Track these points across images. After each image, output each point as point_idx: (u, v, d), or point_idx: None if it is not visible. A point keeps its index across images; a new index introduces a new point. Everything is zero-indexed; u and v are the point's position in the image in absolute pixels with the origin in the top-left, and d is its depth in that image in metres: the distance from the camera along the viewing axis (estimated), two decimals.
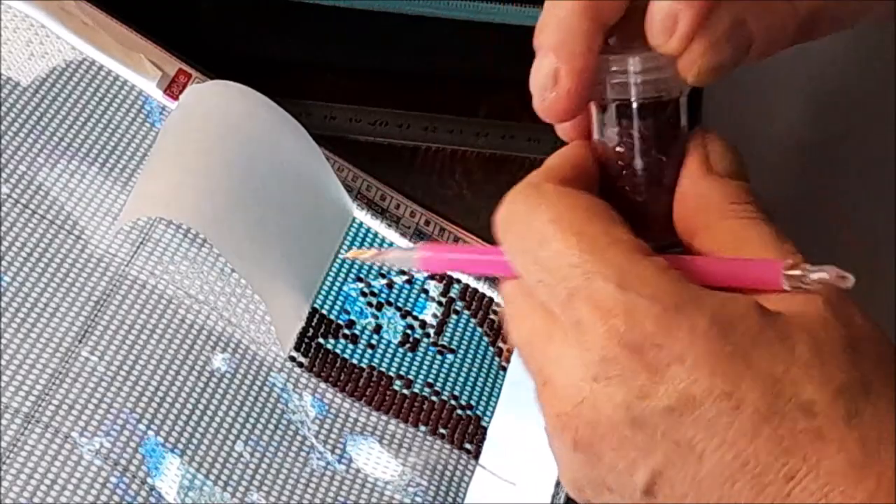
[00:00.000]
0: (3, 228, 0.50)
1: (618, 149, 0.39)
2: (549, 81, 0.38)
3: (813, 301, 0.35)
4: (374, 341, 0.53)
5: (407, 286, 0.54)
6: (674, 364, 0.34)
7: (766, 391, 0.33)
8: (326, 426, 0.50)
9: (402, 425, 0.51)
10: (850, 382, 0.34)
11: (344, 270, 0.54)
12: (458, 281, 0.55)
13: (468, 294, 0.55)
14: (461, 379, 0.53)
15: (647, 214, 0.39)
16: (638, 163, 0.39)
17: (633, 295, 0.34)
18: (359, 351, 0.52)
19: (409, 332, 0.53)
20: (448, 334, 0.54)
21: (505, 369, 0.53)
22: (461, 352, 0.53)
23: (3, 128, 0.52)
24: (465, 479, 0.51)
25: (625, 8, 0.38)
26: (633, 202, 0.39)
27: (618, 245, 0.35)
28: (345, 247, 0.54)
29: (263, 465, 0.49)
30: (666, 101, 0.38)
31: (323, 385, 0.51)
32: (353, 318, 0.53)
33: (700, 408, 0.33)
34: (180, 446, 0.48)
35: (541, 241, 0.36)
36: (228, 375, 0.50)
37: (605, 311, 0.35)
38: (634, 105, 0.38)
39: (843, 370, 0.34)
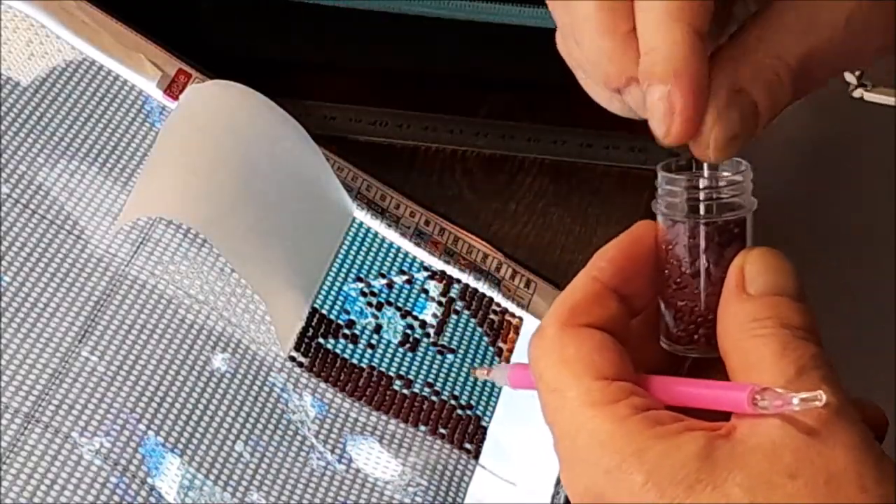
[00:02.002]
0: (3, 228, 0.50)
1: (677, 255, 0.40)
2: (668, 109, 0.38)
3: (773, 425, 0.35)
4: (374, 341, 0.53)
5: (407, 286, 0.54)
6: None
7: None
8: (326, 426, 0.50)
9: (402, 425, 0.51)
10: None
11: (344, 270, 0.54)
12: (458, 281, 0.55)
13: (468, 294, 0.55)
14: (461, 379, 0.53)
15: (695, 323, 0.39)
16: (693, 269, 0.39)
17: (584, 451, 0.37)
18: (359, 351, 0.52)
19: (409, 332, 0.53)
20: (448, 334, 0.54)
21: None
22: (461, 352, 0.53)
23: (3, 128, 0.52)
24: (465, 479, 0.51)
25: (710, 14, 0.38)
26: (686, 309, 0.39)
27: (577, 399, 0.38)
28: (345, 247, 0.54)
29: (263, 465, 0.49)
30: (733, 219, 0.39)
31: (323, 385, 0.51)
32: (353, 318, 0.53)
33: None
34: (180, 446, 0.48)
35: (540, 388, 0.40)
36: (228, 375, 0.50)
37: (566, 463, 0.38)
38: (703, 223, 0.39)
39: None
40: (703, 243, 0.39)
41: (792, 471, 0.34)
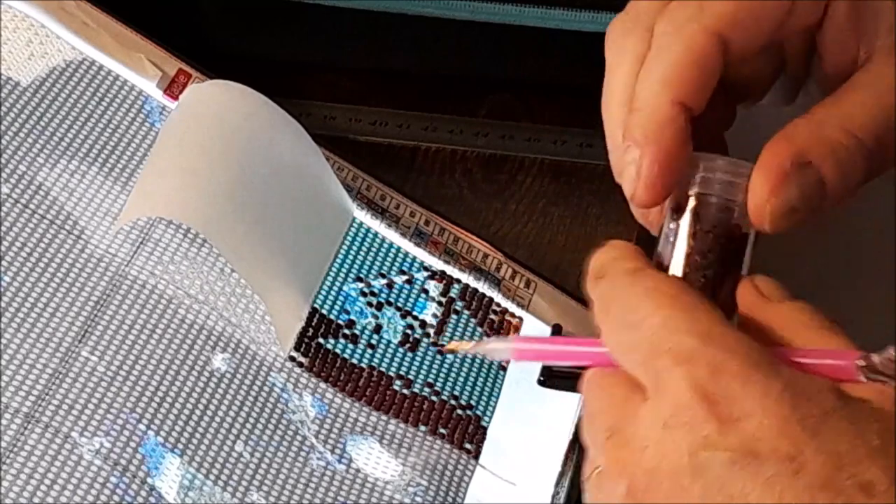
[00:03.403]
0: (3, 228, 0.50)
1: (681, 252, 0.40)
2: (634, 172, 0.39)
3: (888, 394, 0.35)
4: (374, 341, 0.53)
5: (407, 286, 0.54)
6: (743, 419, 0.34)
7: (827, 462, 0.34)
8: (326, 426, 0.50)
9: (402, 425, 0.51)
10: None
11: (344, 270, 0.54)
12: (458, 281, 0.55)
13: (468, 294, 0.55)
14: (461, 379, 0.53)
15: None
16: (698, 270, 0.40)
17: (714, 349, 0.35)
18: (359, 351, 0.52)
19: (409, 331, 0.53)
20: (448, 334, 0.54)
21: (505, 369, 0.53)
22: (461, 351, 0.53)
23: (3, 128, 0.52)
24: (465, 479, 0.51)
25: (707, 100, 0.39)
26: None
27: (705, 311, 0.37)
28: (345, 247, 0.54)
29: (263, 465, 0.49)
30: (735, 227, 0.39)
31: (323, 385, 0.51)
32: (353, 317, 0.53)
33: (761, 465, 0.34)
34: (180, 446, 0.48)
35: (633, 308, 0.37)
36: (228, 375, 0.50)
37: (685, 360, 0.35)
38: (714, 201, 0.39)
39: None
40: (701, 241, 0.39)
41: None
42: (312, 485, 0.49)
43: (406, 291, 0.54)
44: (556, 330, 0.53)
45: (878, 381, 0.36)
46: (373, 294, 0.54)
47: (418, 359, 0.53)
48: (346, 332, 0.52)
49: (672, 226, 0.40)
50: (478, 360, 0.53)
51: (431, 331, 0.53)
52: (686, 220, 0.40)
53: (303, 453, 0.50)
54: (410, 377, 0.52)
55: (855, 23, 0.39)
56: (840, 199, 0.39)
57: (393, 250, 0.55)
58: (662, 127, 0.38)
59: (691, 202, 0.39)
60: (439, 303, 0.54)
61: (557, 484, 0.50)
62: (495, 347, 0.44)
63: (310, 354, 0.51)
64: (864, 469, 0.34)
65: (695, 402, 0.35)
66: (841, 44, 0.40)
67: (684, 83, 0.38)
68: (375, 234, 0.55)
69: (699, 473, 0.34)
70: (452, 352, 0.52)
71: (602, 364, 0.39)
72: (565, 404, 0.52)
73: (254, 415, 0.50)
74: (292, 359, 0.51)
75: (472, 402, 0.52)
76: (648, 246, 0.41)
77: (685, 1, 0.39)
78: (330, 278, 0.53)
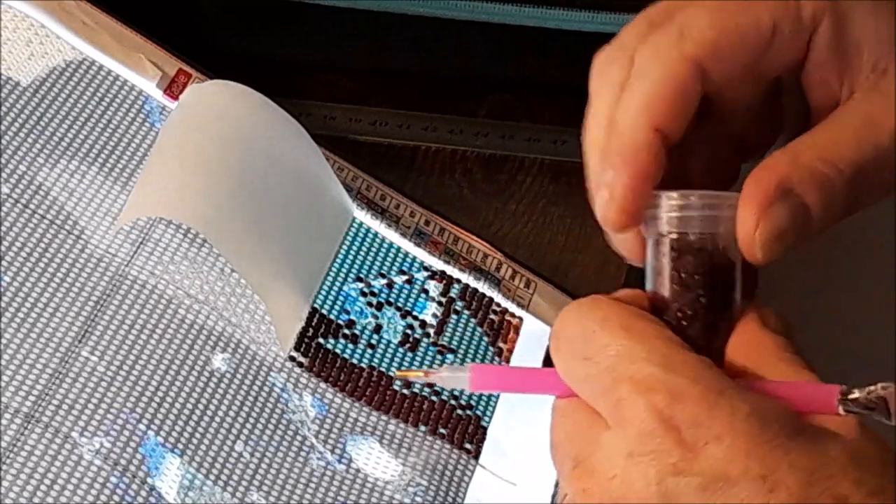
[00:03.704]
0: (3, 228, 0.50)
1: (668, 287, 0.40)
2: (608, 194, 0.39)
3: (848, 423, 0.36)
4: (374, 341, 0.53)
5: (407, 286, 0.54)
6: (711, 443, 0.34)
7: (800, 479, 0.34)
8: (326, 426, 0.50)
9: (402, 425, 0.51)
10: (885, 487, 0.34)
11: (344, 270, 0.54)
12: (458, 281, 0.55)
13: (468, 294, 0.55)
14: None
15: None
16: (685, 302, 0.40)
17: (676, 376, 0.36)
18: (359, 351, 0.52)
19: (409, 331, 0.53)
20: (448, 334, 0.54)
21: None
22: (461, 352, 0.53)
23: (3, 128, 0.52)
24: (465, 479, 0.51)
25: (685, 128, 0.39)
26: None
27: (663, 339, 0.37)
28: (345, 247, 0.54)
29: (263, 465, 0.49)
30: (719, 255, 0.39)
31: (323, 385, 0.51)
32: (353, 317, 0.53)
33: (733, 487, 0.34)
34: (180, 446, 0.48)
35: (589, 338, 0.37)
36: (228, 375, 0.50)
37: (646, 388, 0.36)
38: (692, 238, 0.39)
39: (878, 475, 0.35)
40: (688, 267, 0.39)
41: (881, 456, 0.35)
42: (312, 485, 0.49)
43: (406, 291, 0.54)
44: None
45: (854, 413, 0.36)
46: (373, 294, 0.54)
47: (418, 359, 0.53)
48: (346, 332, 0.52)
49: (655, 262, 0.40)
50: (478, 360, 0.53)
51: (431, 331, 0.53)
52: (667, 256, 0.40)
53: (303, 453, 0.50)
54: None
55: (838, 60, 0.40)
56: (824, 227, 0.39)
57: (393, 250, 0.55)
58: (639, 151, 0.38)
59: (672, 237, 0.39)
60: (439, 303, 0.54)
61: (557, 484, 0.50)
62: (449, 376, 0.42)
63: (310, 354, 0.51)
64: (837, 483, 0.34)
65: (659, 430, 0.35)
66: (824, 81, 0.40)
67: (662, 109, 0.38)
68: (375, 234, 0.55)
69: (668, 501, 0.35)
70: (405, 379, 0.51)
71: (564, 393, 0.39)
72: None
73: (254, 415, 0.50)
74: (292, 359, 0.51)
75: (472, 402, 0.52)
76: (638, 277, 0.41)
77: (667, 29, 0.39)
78: (330, 278, 0.53)
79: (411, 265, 0.55)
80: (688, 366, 0.36)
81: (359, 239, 0.55)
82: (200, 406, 0.49)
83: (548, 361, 0.52)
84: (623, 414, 0.36)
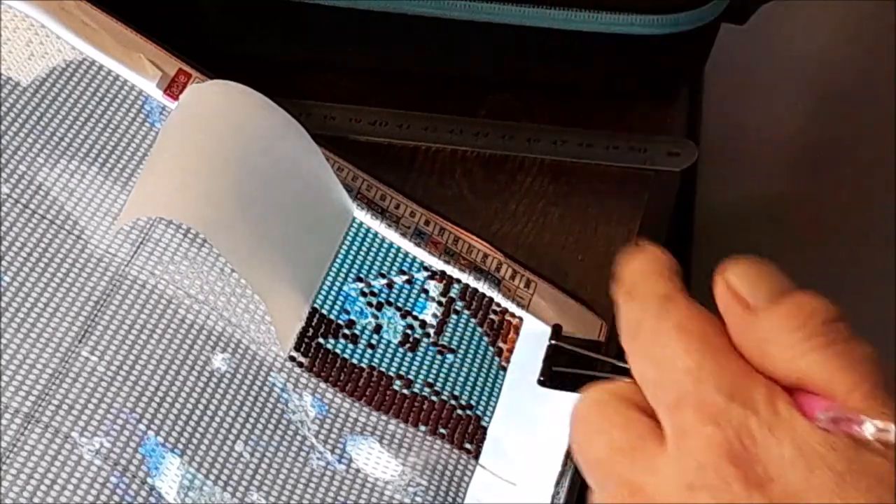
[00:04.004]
0: (3, 228, 0.50)
1: None
2: None
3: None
4: (374, 341, 0.53)
5: (407, 286, 0.54)
6: (776, 479, 0.33)
7: None
8: (326, 426, 0.50)
9: (402, 425, 0.51)
10: None
11: (344, 270, 0.54)
12: (458, 281, 0.55)
13: (468, 294, 0.55)
14: (461, 379, 0.53)
15: None
16: None
17: (741, 407, 0.34)
18: (359, 351, 0.52)
19: (409, 331, 0.53)
20: (448, 334, 0.54)
21: (505, 369, 0.53)
22: (461, 352, 0.53)
23: (2, 128, 0.52)
24: (465, 479, 0.51)
25: None
26: None
27: (733, 358, 0.35)
28: (345, 247, 0.54)
29: (263, 465, 0.49)
30: None
31: (323, 385, 0.51)
32: (353, 317, 0.53)
33: None
34: (180, 446, 0.48)
35: (662, 343, 0.36)
36: (228, 375, 0.50)
37: (711, 419, 0.34)
38: None
39: None
40: None
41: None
42: (312, 485, 0.49)
43: (406, 291, 0.54)
44: (557, 330, 0.53)
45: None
46: (373, 294, 0.54)
47: (418, 359, 0.53)
48: (346, 332, 0.52)
49: None
50: (478, 361, 0.53)
51: (431, 331, 0.53)
52: None
53: (303, 453, 0.50)
54: (410, 377, 0.52)
55: None
56: None
57: (393, 250, 0.55)
58: None
59: None
60: (439, 303, 0.54)
61: (558, 484, 0.50)
62: None
63: (310, 354, 0.51)
64: None
65: (722, 463, 0.34)
66: None
67: None
68: (375, 234, 0.55)
69: None
70: None
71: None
72: (566, 404, 0.52)
73: (254, 415, 0.50)
74: (292, 359, 0.51)
75: (473, 402, 0.52)
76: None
77: None
78: (330, 278, 0.53)
79: (411, 265, 0.55)
80: (755, 392, 0.35)
81: (359, 239, 0.55)
82: (200, 406, 0.49)
83: (548, 362, 0.52)
84: (685, 439, 0.35)
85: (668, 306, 0.37)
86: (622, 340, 0.38)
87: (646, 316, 0.37)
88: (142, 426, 0.48)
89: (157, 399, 0.48)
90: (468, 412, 0.52)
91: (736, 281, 0.37)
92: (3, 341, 0.48)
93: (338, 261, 0.54)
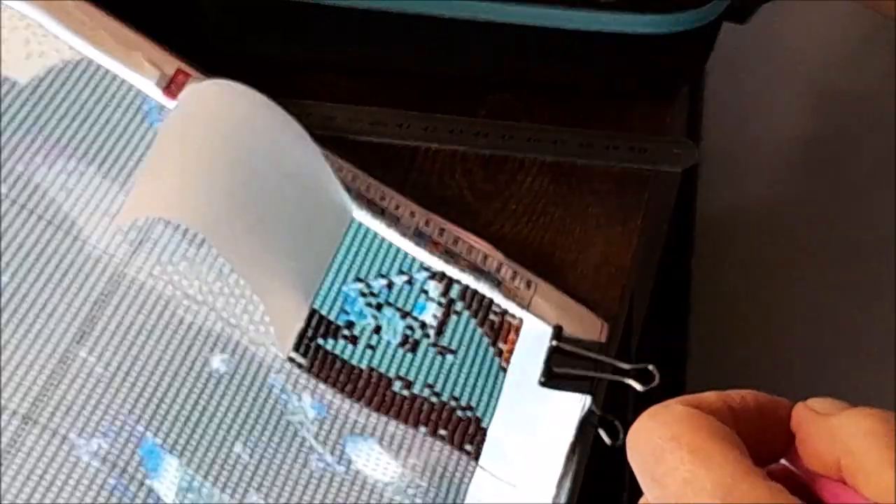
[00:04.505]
0: (1, 228, 0.50)
1: None
2: None
3: None
4: (373, 342, 0.52)
5: (407, 287, 0.54)
6: None
7: None
8: (326, 427, 0.50)
9: (401, 426, 0.51)
10: None
11: (343, 271, 0.54)
12: (458, 282, 0.55)
13: (468, 294, 0.54)
14: (461, 380, 0.53)
15: None
16: None
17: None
18: (358, 352, 0.52)
19: (408, 332, 0.53)
20: (448, 335, 0.53)
21: (505, 370, 0.53)
22: (461, 353, 0.53)
23: (0, 127, 0.52)
24: (465, 480, 0.51)
25: None
26: None
27: (731, 463, 0.35)
28: (344, 247, 0.54)
29: (262, 467, 0.49)
30: None
31: (322, 386, 0.51)
32: (352, 318, 0.53)
33: None
34: (178, 447, 0.48)
35: (658, 458, 0.36)
36: (227, 376, 0.50)
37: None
38: None
39: None
40: None
41: None
42: (312, 486, 0.49)
43: (406, 292, 0.54)
44: (557, 331, 0.53)
45: None
46: (372, 295, 0.53)
47: (418, 360, 0.53)
48: (346, 332, 0.52)
49: None
50: (478, 361, 0.53)
51: (431, 332, 0.53)
52: None
53: (302, 455, 0.49)
54: (410, 378, 0.52)
55: None
56: None
57: (393, 251, 0.55)
58: None
59: None
60: (439, 303, 0.54)
61: (558, 485, 0.50)
62: None
63: (309, 355, 0.51)
64: None
65: None
66: None
67: None
68: (375, 235, 0.55)
69: None
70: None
71: None
72: (566, 405, 0.52)
73: (253, 416, 0.50)
74: (291, 360, 0.51)
75: (473, 404, 0.52)
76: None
77: None
78: (329, 279, 0.53)
79: (411, 266, 0.55)
80: (755, 496, 0.34)
81: (358, 239, 0.55)
82: (199, 407, 0.49)
83: (548, 363, 0.52)
84: None
85: (662, 422, 0.37)
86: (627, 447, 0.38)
87: (639, 437, 0.37)
88: (140, 427, 0.47)
89: (155, 400, 0.48)
90: (468, 413, 0.52)
91: (816, 403, 0.38)
92: (1, 342, 0.48)
93: (337, 261, 0.54)
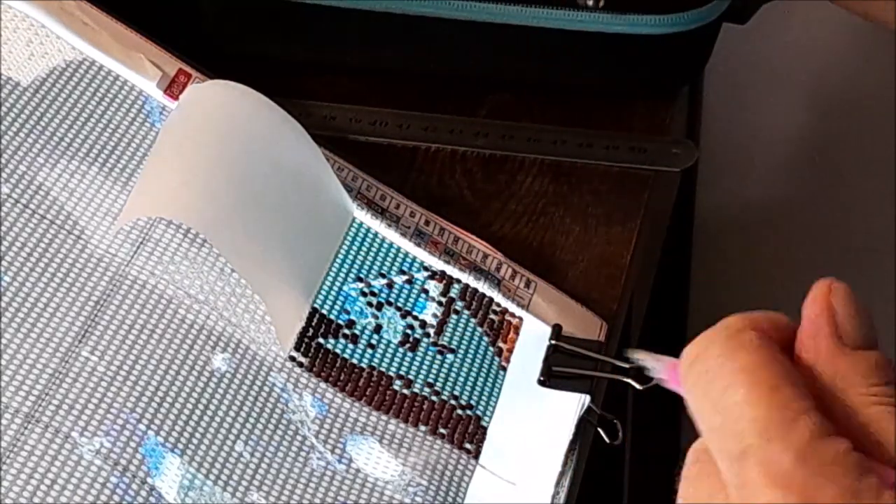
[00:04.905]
0: (4, 228, 0.50)
1: None
2: None
3: None
4: (374, 341, 0.53)
5: (407, 286, 0.54)
6: None
7: None
8: (326, 426, 0.50)
9: (402, 425, 0.51)
10: None
11: (344, 270, 0.54)
12: (458, 281, 0.55)
13: (468, 294, 0.55)
14: (461, 379, 0.53)
15: None
16: None
17: (811, 473, 0.33)
18: (359, 351, 0.52)
19: (409, 331, 0.53)
20: (448, 334, 0.54)
21: (505, 369, 0.53)
22: (461, 352, 0.53)
23: (3, 128, 0.52)
24: (465, 479, 0.51)
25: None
26: None
27: (806, 415, 0.34)
28: (345, 247, 0.54)
29: (263, 465, 0.49)
30: None
31: (323, 385, 0.51)
32: (353, 317, 0.53)
33: None
34: (180, 446, 0.48)
35: (727, 386, 0.34)
36: (228, 375, 0.50)
37: (777, 482, 0.33)
38: None
39: None
40: None
41: None
42: (312, 485, 0.49)
43: (406, 291, 0.54)
44: (557, 330, 0.53)
45: None
46: (373, 294, 0.54)
47: (418, 359, 0.53)
48: (346, 332, 0.52)
49: None
50: (478, 360, 0.53)
51: (431, 331, 0.53)
52: None
53: (303, 453, 0.50)
54: (410, 377, 0.52)
55: None
56: None
57: (393, 250, 0.55)
58: None
59: None
60: (439, 303, 0.54)
61: (557, 484, 0.50)
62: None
63: (310, 354, 0.51)
64: None
65: None
66: None
67: None
68: (375, 234, 0.55)
69: None
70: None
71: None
72: (565, 404, 0.52)
73: (254, 415, 0.50)
74: (292, 359, 0.51)
75: (472, 402, 0.52)
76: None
77: None
78: (330, 278, 0.53)
79: (411, 265, 0.55)
80: (825, 456, 0.33)
81: (359, 239, 0.55)
82: (200, 406, 0.49)
83: (548, 362, 0.52)
84: (750, 498, 0.33)
85: (736, 347, 0.35)
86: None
87: (705, 352, 0.35)
88: (142, 426, 0.48)
89: (157, 399, 0.48)
90: (468, 412, 0.52)
91: (841, 310, 0.36)
92: (4, 341, 0.48)
93: (338, 261, 0.54)
